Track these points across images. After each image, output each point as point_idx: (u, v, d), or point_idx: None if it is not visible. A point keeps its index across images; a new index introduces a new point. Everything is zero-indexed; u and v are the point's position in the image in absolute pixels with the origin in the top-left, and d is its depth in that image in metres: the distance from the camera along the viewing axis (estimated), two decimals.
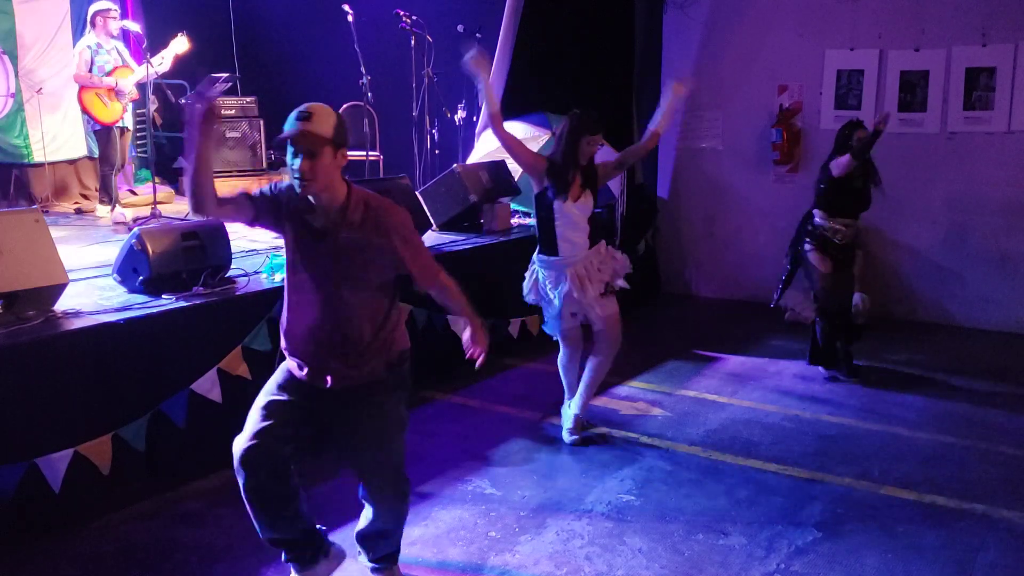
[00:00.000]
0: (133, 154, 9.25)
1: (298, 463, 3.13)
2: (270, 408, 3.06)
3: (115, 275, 4.63)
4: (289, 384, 3.10)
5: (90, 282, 4.80)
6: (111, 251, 5.14)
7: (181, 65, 7.64)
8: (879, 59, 7.55)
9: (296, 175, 2.87)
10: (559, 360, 4.96)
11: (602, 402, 5.48)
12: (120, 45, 7.55)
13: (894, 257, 7.70)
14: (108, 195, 7.54)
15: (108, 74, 7.32)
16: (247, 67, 9.26)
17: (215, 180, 2.95)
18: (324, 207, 2.96)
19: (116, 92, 7.30)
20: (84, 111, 7.41)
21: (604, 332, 4.76)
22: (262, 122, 9.04)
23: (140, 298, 4.39)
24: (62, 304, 4.15)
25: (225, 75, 7.95)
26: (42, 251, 4.06)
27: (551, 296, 4.71)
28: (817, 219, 5.87)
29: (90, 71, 7.27)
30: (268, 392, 3.11)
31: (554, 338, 4.94)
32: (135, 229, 4.68)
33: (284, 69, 9.49)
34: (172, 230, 4.69)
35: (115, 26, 7.41)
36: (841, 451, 4.81)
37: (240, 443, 3.02)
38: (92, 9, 7.46)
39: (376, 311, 3.07)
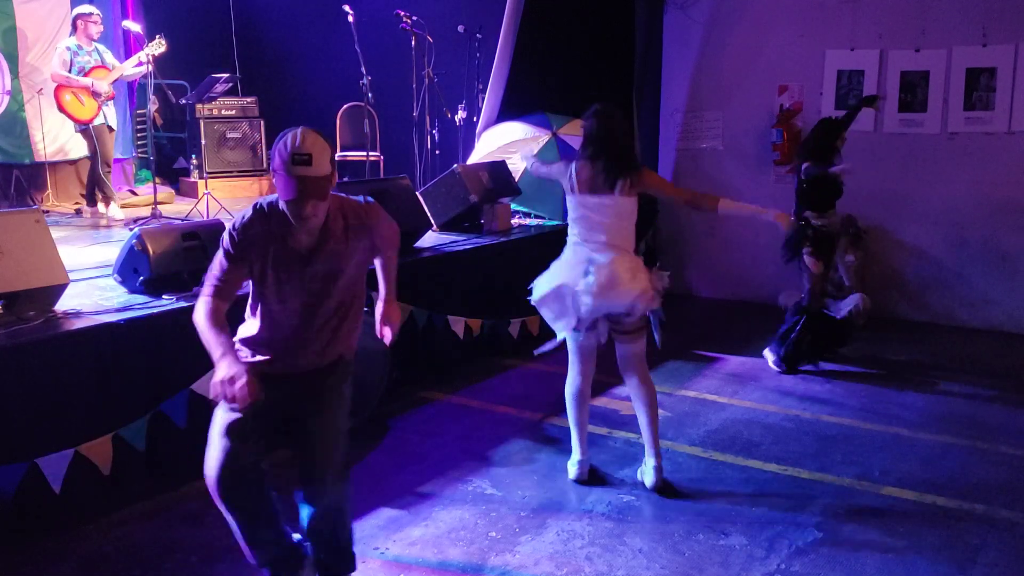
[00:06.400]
0: (133, 154, 9.28)
1: (273, 477, 3.11)
2: (235, 424, 2.92)
3: (115, 275, 4.64)
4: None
5: (90, 282, 4.80)
6: (111, 251, 5.14)
7: (182, 65, 7.65)
8: (879, 59, 7.54)
9: (303, 219, 2.78)
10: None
11: (602, 402, 5.48)
12: (102, 47, 7.62)
13: (894, 257, 7.69)
14: (105, 193, 7.58)
15: (86, 74, 7.39)
16: (247, 67, 9.27)
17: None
18: (310, 229, 2.86)
19: (92, 92, 7.36)
20: (61, 110, 7.47)
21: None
22: (262, 122, 9.05)
23: (140, 298, 4.40)
24: (62, 304, 4.16)
25: (225, 75, 7.96)
26: (43, 251, 4.07)
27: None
28: (813, 221, 5.99)
29: (69, 71, 7.35)
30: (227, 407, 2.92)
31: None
32: (135, 229, 4.68)
33: (284, 69, 9.50)
34: (172, 230, 4.70)
35: (96, 30, 7.50)
36: (841, 451, 4.81)
37: (212, 471, 2.92)
38: (74, 12, 7.56)
39: (353, 305, 3.09)
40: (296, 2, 9.44)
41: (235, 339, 3.02)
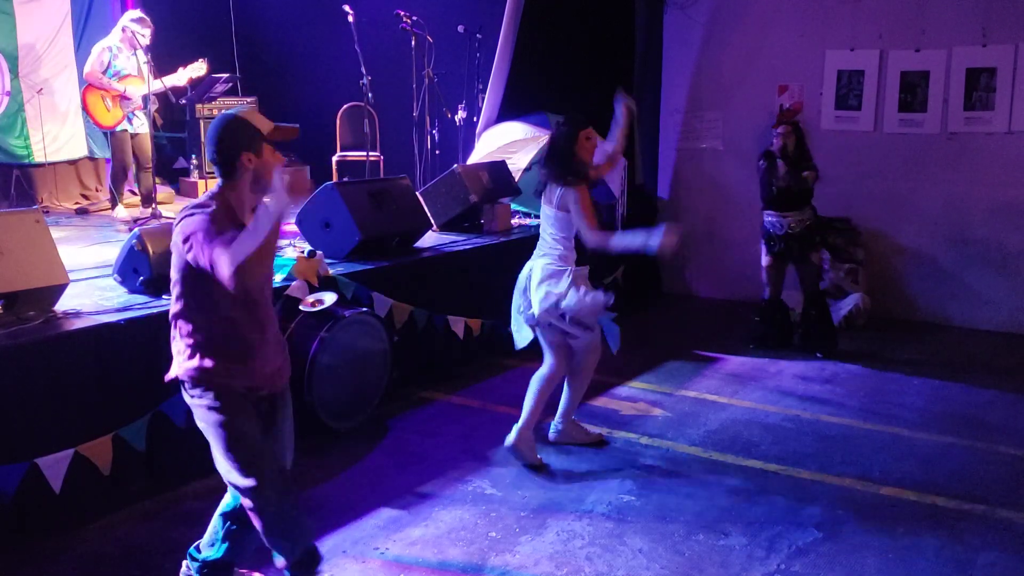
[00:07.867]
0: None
1: None
2: (261, 442, 2.98)
3: (115, 275, 4.64)
4: (250, 408, 2.99)
5: (90, 282, 4.80)
6: (111, 251, 5.14)
7: (182, 65, 7.63)
8: (879, 59, 7.54)
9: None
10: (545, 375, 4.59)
11: (602, 402, 5.48)
12: (141, 55, 7.52)
13: (894, 257, 7.69)
14: (114, 195, 7.57)
15: (121, 80, 7.33)
16: (247, 67, 9.25)
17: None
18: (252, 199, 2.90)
19: (121, 98, 7.31)
20: (85, 110, 7.42)
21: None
22: None
23: (140, 298, 4.40)
24: (62, 304, 4.16)
25: (225, 75, 7.96)
26: (43, 251, 4.07)
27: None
28: (765, 220, 6.51)
29: (104, 72, 7.28)
30: (244, 427, 2.96)
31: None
32: (135, 230, 4.68)
33: (284, 69, 9.49)
34: (172, 231, 4.68)
35: (142, 41, 7.38)
36: (841, 451, 4.82)
37: (261, 484, 2.90)
38: (126, 17, 7.49)
39: None
40: (296, 2, 9.43)
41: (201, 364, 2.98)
